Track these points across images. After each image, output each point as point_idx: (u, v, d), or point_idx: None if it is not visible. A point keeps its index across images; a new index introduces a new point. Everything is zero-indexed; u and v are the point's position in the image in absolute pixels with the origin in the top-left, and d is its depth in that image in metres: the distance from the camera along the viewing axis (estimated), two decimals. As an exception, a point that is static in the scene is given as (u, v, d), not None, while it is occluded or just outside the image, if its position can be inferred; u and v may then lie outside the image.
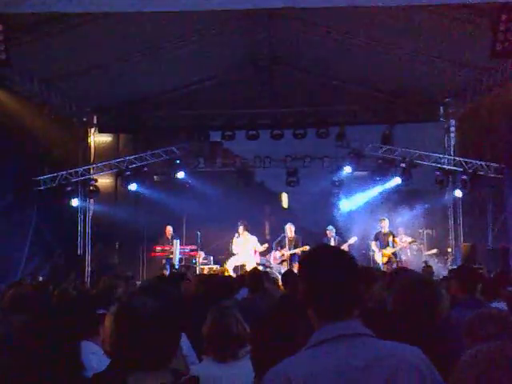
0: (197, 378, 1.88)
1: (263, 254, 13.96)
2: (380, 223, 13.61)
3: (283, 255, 13.53)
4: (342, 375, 1.75)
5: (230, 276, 9.75)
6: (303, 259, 2.01)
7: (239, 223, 13.52)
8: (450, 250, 14.83)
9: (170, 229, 14.24)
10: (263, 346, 2.41)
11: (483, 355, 1.13)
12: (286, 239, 13.58)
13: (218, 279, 5.48)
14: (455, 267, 11.20)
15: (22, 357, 2.34)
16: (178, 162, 15.24)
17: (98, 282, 9.39)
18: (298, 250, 13.35)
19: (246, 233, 13.47)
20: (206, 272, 13.14)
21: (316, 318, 1.89)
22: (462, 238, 14.87)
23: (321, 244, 1.83)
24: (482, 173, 13.77)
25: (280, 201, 18.25)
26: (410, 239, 13.70)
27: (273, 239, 14.22)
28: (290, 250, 13.47)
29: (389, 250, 13.23)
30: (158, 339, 1.80)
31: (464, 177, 14.10)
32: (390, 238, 13.37)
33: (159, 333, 1.80)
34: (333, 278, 1.87)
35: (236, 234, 13.55)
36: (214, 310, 3.44)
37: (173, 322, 1.88)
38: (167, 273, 13.04)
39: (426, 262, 12.09)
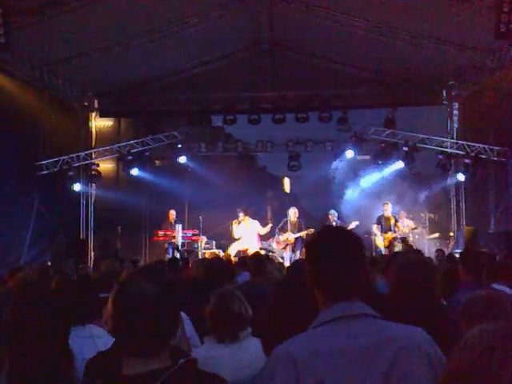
0: (194, 360, 1.87)
1: (266, 238, 13.99)
2: (383, 207, 13.58)
3: (287, 239, 13.51)
4: (345, 354, 1.75)
5: (230, 260, 9.78)
6: (309, 241, 2.02)
7: (238, 210, 13.50)
8: (452, 233, 14.84)
9: (173, 213, 14.24)
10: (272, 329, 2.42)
11: (486, 334, 1.12)
12: (289, 223, 13.54)
13: (218, 263, 5.48)
14: (458, 250, 11.26)
15: (15, 341, 2.35)
16: (179, 146, 15.21)
17: (100, 265, 9.44)
18: (302, 233, 13.32)
19: (247, 218, 13.47)
20: (207, 256, 13.17)
21: (322, 299, 1.90)
22: (464, 222, 14.86)
23: (327, 225, 1.84)
24: (484, 156, 13.72)
25: (282, 185, 18.25)
26: (412, 223, 13.69)
27: (275, 223, 14.22)
28: (293, 233, 13.45)
29: (390, 235, 13.23)
30: (156, 324, 1.78)
31: (466, 160, 14.07)
32: (392, 222, 13.34)
33: (157, 317, 1.78)
34: (338, 258, 1.87)
35: (236, 221, 13.53)
36: (217, 291, 3.46)
37: (171, 307, 1.86)
38: (169, 257, 13.10)
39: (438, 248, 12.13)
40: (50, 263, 10.58)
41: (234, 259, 11.15)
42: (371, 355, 1.76)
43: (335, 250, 1.89)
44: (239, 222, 13.44)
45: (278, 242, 13.64)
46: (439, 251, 10.71)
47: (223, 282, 5.37)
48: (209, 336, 3.39)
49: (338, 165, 15.24)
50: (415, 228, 13.66)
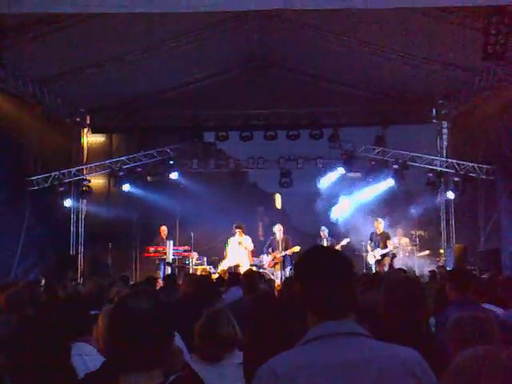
0: (184, 376, 1.90)
1: (257, 254, 13.99)
2: (373, 224, 13.66)
3: (275, 258, 13.50)
4: (328, 371, 1.76)
5: (222, 277, 9.75)
6: (298, 260, 2.03)
7: (234, 226, 13.50)
8: (442, 251, 14.90)
9: (164, 229, 14.22)
10: (255, 351, 2.44)
11: (476, 359, 1.14)
12: (275, 241, 13.52)
13: (206, 281, 5.49)
14: (448, 268, 11.32)
15: (17, 357, 2.35)
16: (171, 162, 15.24)
17: (89, 282, 9.39)
18: (288, 252, 13.31)
19: (242, 234, 13.50)
20: (199, 273, 13.12)
21: (310, 317, 1.91)
22: (454, 240, 14.94)
23: (316, 245, 1.86)
24: (473, 175, 13.86)
25: (273, 201, 18.28)
26: (407, 241, 13.81)
27: (266, 240, 14.26)
28: (280, 251, 13.40)
29: (379, 252, 13.29)
30: (152, 341, 1.82)
31: (456, 178, 14.19)
32: (383, 239, 13.41)
33: (153, 334, 1.82)
34: (327, 278, 1.89)
35: (234, 238, 13.55)
36: (208, 310, 3.46)
37: (166, 324, 1.90)
38: (161, 274, 13.04)
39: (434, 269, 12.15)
40: (38, 279, 10.50)
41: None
42: (355, 373, 1.75)
43: (324, 270, 1.90)
44: (238, 239, 13.42)
45: (266, 262, 13.60)
46: (433, 272, 10.78)
47: (211, 299, 5.38)
48: (195, 353, 3.39)
49: (327, 182, 15.30)
50: (396, 247, 13.65)
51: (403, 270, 7.53)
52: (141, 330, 1.81)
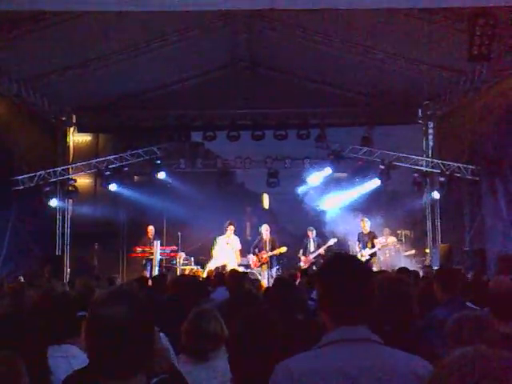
0: (167, 378, 1.88)
1: (245, 254, 14.00)
2: (360, 224, 13.74)
3: (261, 258, 13.51)
4: (341, 375, 1.83)
5: (210, 277, 9.73)
6: (321, 266, 2.15)
7: (228, 223, 13.48)
8: (427, 250, 15.01)
9: (151, 229, 14.16)
10: (240, 349, 2.44)
11: (465, 359, 1.15)
12: (262, 242, 13.52)
13: (193, 280, 5.48)
14: (435, 268, 11.40)
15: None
16: (158, 162, 15.18)
17: (75, 282, 9.31)
18: (275, 252, 13.36)
19: (233, 233, 13.51)
20: (187, 273, 13.09)
21: (329, 322, 2.00)
22: (439, 239, 15.06)
23: (339, 252, 2.02)
24: (458, 175, 13.98)
25: (261, 201, 18.27)
26: (394, 239, 13.89)
27: (253, 240, 14.28)
28: (267, 252, 13.40)
29: (367, 251, 13.35)
30: (129, 347, 1.72)
31: (441, 179, 14.31)
32: (370, 239, 13.48)
33: (129, 340, 1.72)
34: (348, 286, 1.97)
35: (224, 236, 13.53)
36: (195, 310, 3.46)
37: (145, 329, 1.78)
38: (148, 274, 12.97)
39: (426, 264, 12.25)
40: (22, 279, 10.40)
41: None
42: (368, 379, 1.83)
43: (345, 277, 1.99)
44: (227, 237, 13.40)
45: (253, 262, 13.62)
46: (428, 267, 10.86)
47: (198, 299, 5.38)
48: (183, 353, 3.39)
49: (315, 182, 15.34)
50: (386, 245, 13.76)
51: (406, 268, 7.44)
52: (115, 336, 1.70)
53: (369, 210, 14.60)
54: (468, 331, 2.62)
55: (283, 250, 13.37)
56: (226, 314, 3.87)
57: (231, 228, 13.47)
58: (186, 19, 12.01)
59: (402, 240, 14.58)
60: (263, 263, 13.44)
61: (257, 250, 13.58)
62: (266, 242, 13.45)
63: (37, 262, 13.52)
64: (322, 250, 13.49)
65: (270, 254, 13.34)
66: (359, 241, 13.62)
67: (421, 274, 9.38)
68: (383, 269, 10.54)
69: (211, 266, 13.27)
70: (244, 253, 13.99)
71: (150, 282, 8.75)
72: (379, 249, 13.53)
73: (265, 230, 13.54)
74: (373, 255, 13.27)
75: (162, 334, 4.35)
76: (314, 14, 10.38)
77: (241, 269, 11.42)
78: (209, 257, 13.85)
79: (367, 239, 13.47)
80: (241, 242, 13.74)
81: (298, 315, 4.19)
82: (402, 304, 2.92)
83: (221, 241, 13.57)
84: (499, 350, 1.15)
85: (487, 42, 9.04)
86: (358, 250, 13.54)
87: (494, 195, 12.77)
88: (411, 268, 12.02)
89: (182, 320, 3.52)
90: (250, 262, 13.66)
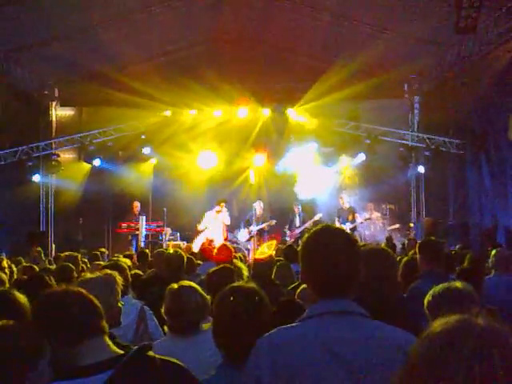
0: (145, 346, 1.88)
1: (231, 229, 14.08)
2: (339, 200, 13.87)
3: (250, 232, 13.68)
4: (324, 344, 1.81)
5: (192, 251, 9.73)
6: (306, 239, 2.03)
7: (219, 200, 13.52)
8: (411, 225, 15.13)
9: (137, 204, 14.10)
10: (224, 322, 2.43)
11: (450, 326, 1.14)
12: (254, 217, 13.73)
13: (177, 257, 5.45)
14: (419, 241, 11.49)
15: None
16: (143, 137, 15.03)
17: (57, 258, 9.27)
18: (264, 225, 13.65)
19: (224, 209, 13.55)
20: (171, 248, 13.07)
21: (313, 295, 1.98)
22: (424, 214, 15.18)
23: (323, 225, 1.89)
24: (444, 149, 14.04)
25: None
26: (378, 215, 14.02)
27: (240, 215, 14.33)
28: (257, 225, 13.63)
29: (347, 226, 13.45)
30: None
31: (426, 153, 14.36)
32: (351, 214, 13.63)
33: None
34: (329, 257, 1.92)
35: (209, 212, 13.55)
36: (170, 288, 3.41)
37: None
38: (133, 249, 12.95)
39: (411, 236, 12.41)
40: (7, 255, 10.31)
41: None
42: (349, 349, 1.81)
43: (326, 249, 1.93)
44: (218, 212, 13.42)
45: (243, 235, 13.82)
46: (411, 240, 10.95)
47: (184, 275, 5.36)
48: (169, 330, 3.37)
49: (300, 156, 15.30)
50: (368, 219, 13.89)
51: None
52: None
53: (354, 185, 14.65)
54: (448, 303, 2.63)
55: (272, 223, 13.73)
56: (213, 286, 3.87)
57: (223, 205, 13.48)
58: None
59: (386, 214, 14.68)
60: (252, 236, 13.69)
61: (248, 225, 13.86)
62: (258, 217, 13.79)
63: (22, 238, 13.39)
64: (308, 225, 13.58)
65: (260, 226, 13.72)
66: (338, 216, 13.74)
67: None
68: (368, 242, 10.65)
69: (198, 240, 13.29)
70: (232, 229, 14.09)
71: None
72: (361, 222, 13.69)
73: (258, 206, 13.81)
74: (353, 229, 13.37)
75: (146, 308, 4.35)
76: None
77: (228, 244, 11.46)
78: (195, 232, 13.84)
79: (347, 214, 13.62)
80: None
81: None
82: (385, 276, 2.92)
83: (209, 216, 13.58)
84: (479, 317, 1.14)
85: (474, 15, 8.98)
86: (337, 225, 13.61)
87: (479, 169, 12.87)
88: (397, 242, 12.21)
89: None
90: (238, 236, 13.80)
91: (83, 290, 2.06)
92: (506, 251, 6.12)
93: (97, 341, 1.92)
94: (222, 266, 4.69)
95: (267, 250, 13.34)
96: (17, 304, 2.64)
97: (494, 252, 5.84)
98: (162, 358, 1.90)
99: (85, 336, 1.90)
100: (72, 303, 1.95)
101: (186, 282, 3.45)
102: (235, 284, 2.66)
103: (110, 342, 1.95)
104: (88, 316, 1.94)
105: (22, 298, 2.69)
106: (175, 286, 3.38)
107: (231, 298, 2.46)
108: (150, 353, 1.87)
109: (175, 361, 1.95)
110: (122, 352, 1.90)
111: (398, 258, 5.16)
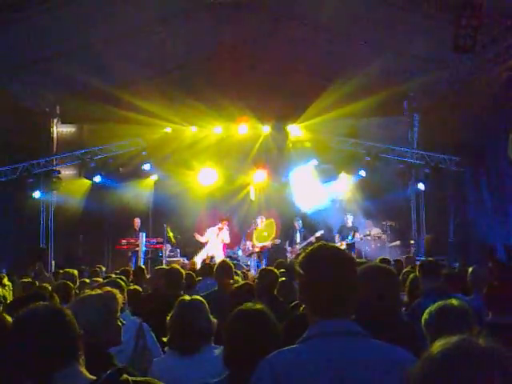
0: (109, 375, 1.87)
1: (231, 246, 14.05)
2: (344, 218, 13.93)
3: (254, 246, 13.65)
4: (327, 369, 1.78)
5: (193, 268, 9.72)
6: (304, 257, 2.02)
7: (223, 218, 13.65)
8: (412, 242, 15.10)
9: (137, 221, 14.10)
10: (240, 347, 2.43)
11: (451, 347, 1.14)
12: (257, 232, 13.78)
13: (177, 272, 5.44)
14: (417, 258, 11.47)
15: None
16: (144, 153, 15.09)
17: (56, 275, 9.25)
18: (267, 243, 13.57)
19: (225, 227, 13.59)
20: (175, 265, 13.04)
21: (311, 315, 1.95)
22: (424, 231, 15.17)
23: (320, 244, 1.86)
24: (443, 166, 14.08)
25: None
26: (378, 231, 14.03)
27: (240, 232, 14.32)
28: (259, 242, 13.70)
29: (345, 241, 13.53)
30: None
31: (426, 170, 14.39)
32: (351, 232, 13.68)
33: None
34: (330, 277, 1.91)
35: (211, 229, 13.59)
36: (180, 302, 3.41)
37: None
38: (133, 266, 12.90)
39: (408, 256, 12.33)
40: (7, 272, 10.29)
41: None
42: (353, 372, 1.79)
43: (330, 270, 1.91)
44: (220, 229, 13.43)
45: (244, 249, 13.78)
46: (409, 258, 10.89)
47: (183, 291, 5.35)
48: (170, 347, 3.35)
49: (300, 173, 15.35)
50: (368, 235, 13.93)
51: (387, 259, 7.48)
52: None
53: (354, 202, 14.68)
54: (444, 320, 2.62)
55: (277, 242, 13.79)
56: (213, 305, 3.85)
57: (224, 223, 13.54)
58: (170, 8, 11.93)
59: (386, 231, 14.66)
60: (253, 252, 13.59)
61: (250, 239, 13.88)
62: (259, 231, 13.80)
63: (22, 254, 13.35)
64: (309, 241, 13.57)
65: (264, 244, 13.68)
66: (339, 233, 13.79)
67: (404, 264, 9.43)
68: (368, 259, 10.61)
69: (198, 258, 13.29)
70: (233, 245, 14.10)
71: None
72: (361, 239, 13.72)
73: (260, 221, 13.89)
74: (351, 246, 13.40)
75: (145, 325, 4.33)
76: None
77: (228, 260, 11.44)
78: (196, 248, 13.84)
79: (348, 231, 13.71)
80: (229, 234, 13.82)
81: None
82: (387, 294, 2.92)
83: (210, 232, 13.60)
84: (480, 338, 1.14)
85: (472, 34, 9.06)
86: (336, 240, 13.67)
87: (478, 186, 12.89)
88: (397, 258, 12.15)
89: (165, 312, 3.49)
90: (239, 252, 13.85)
91: (63, 310, 2.06)
92: (481, 270, 5.43)
93: (71, 369, 1.92)
94: (244, 282, 4.71)
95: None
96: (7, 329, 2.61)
97: (470, 270, 5.26)
98: (137, 379, 1.89)
99: (59, 364, 1.90)
100: (41, 330, 1.95)
101: (195, 301, 3.42)
102: (243, 307, 2.64)
103: (83, 369, 1.95)
104: (60, 342, 1.94)
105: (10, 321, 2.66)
106: (184, 302, 3.36)
107: (242, 323, 2.47)
108: (124, 376, 1.85)
109: (150, 380, 1.95)
110: (95, 378, 1.89)
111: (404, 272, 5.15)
